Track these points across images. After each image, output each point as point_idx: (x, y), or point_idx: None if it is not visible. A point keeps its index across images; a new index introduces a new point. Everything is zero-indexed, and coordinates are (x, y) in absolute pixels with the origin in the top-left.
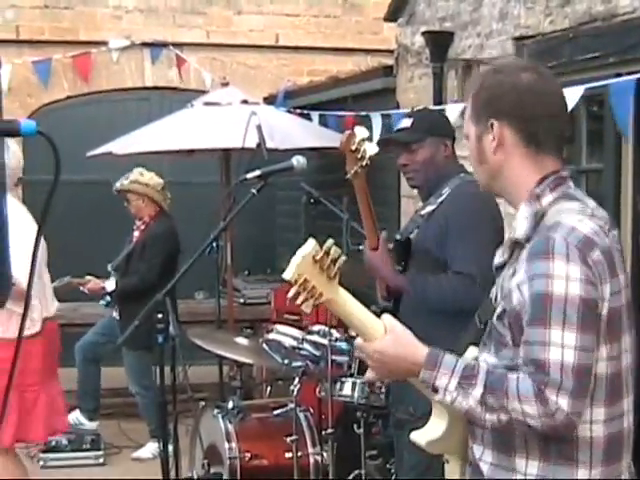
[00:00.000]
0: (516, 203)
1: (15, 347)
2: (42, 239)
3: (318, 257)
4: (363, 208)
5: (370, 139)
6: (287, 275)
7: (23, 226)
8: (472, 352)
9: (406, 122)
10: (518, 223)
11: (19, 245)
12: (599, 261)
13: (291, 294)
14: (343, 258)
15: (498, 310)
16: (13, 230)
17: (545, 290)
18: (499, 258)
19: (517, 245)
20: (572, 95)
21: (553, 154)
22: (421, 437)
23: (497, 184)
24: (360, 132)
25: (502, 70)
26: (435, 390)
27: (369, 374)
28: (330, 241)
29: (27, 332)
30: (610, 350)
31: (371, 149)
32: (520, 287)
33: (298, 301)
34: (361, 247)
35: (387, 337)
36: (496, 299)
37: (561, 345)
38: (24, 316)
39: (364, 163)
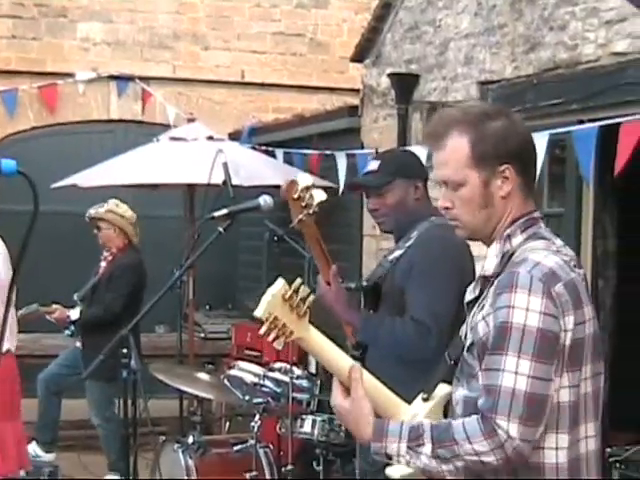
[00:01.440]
0: (490, 242)
1: None
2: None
3: (287, 296)
4: (315, 252)
5: (314, 186)
6: (258, 313)
7: None
8: (443, 389)
9: (373, 165)
10: (488, 260)
11: None
12: (562, 293)
13: (262, 331)
14: (312, 297)
15: (467, 343)
16: None
17: (506, 320)
18: (470, 295)
19: (486, 281)
20: (538, 142)
21: (531, 198)
22: (395, 473)
23: (489, 227)
24: (303, 180)
25: (496, 115)
26: (388, 457)
27: None
28: (298, 280)
29: None
30: (572, 379)
31: (319, 196)
32: (486, 318)
33: (269, 338)
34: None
35: (346, 401)
36: (466, 336)
37: (515, 372)
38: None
39: (310, 211)
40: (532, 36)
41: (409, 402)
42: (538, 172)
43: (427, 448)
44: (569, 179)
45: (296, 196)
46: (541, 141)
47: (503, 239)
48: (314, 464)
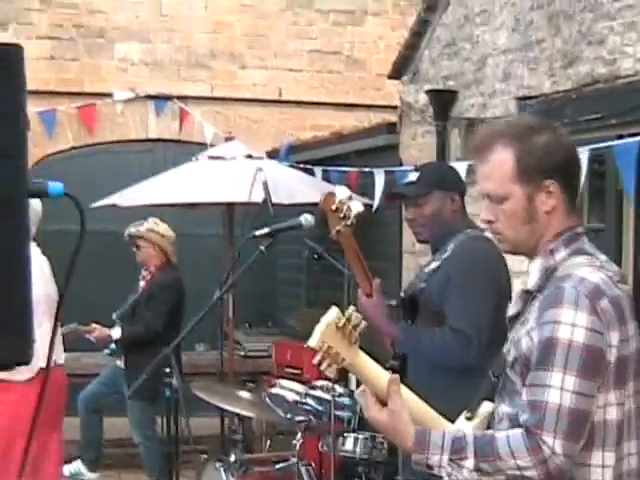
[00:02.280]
0: (534, 255)
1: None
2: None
3: (340, 324)
4: (354, 264)
5: (354, 198)
6: (312, 343)
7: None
8: (486, 407)
9: (413, 176)
10: (531, 275)
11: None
12: (607, 310)
13: (316, 361)
14: (364, 324)
15: (510, 359)
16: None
17: (551, 335)
18: (513, 309)
19: (529, 295)
20: (580, 156)
21: (576, 211)
22: None
23: (533, 241)
24: (340, 192)
25: (541, 128)
26: (430, 468)
27: None
28: (352, 308)
29: (20, 377)
30: (619, 396)
31: (356, 208)
32: (530, 333)
33: (322, 367)
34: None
35: (382, 412)
36: (509, 352)
37: (560, 388)
38: (47, 366)
39: (348, 222)
40: (570, 51)
41: (449, 414)
42: (581, 187)
43: (470, 462)
44: (609, 194)
45: (334, 207)
46: (582, 156)
47: (547, 254)
48: None
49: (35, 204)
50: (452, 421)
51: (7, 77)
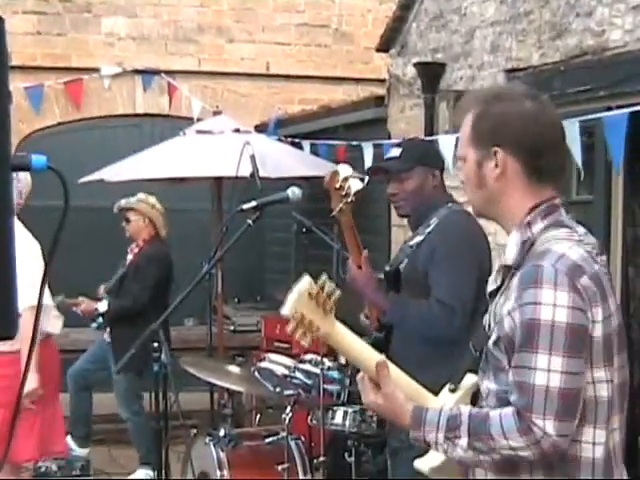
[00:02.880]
0: (509, 229)
1: (26, 361)
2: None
3: (314, 292)
4: (350, 242)
5: (354, 176)
6: (285, 311)
7: (25, 251)
8: (469, 379)
9: (395, 151)
10: (508, 249)
11: (21, 269)
12: (588, 286)
13: (290, 329)
14: (338, 292)
15: (493, 337)
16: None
17: (533, 317)
18: (492, 285)
19: (508, 271)
20: (568, 129)
21: (551, 184)
22: (424, 464)
23: (492, 210)
24: (343, 170)
25: (507, 97)
26: (428, 445)
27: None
28: (324, 276)
29: (13, 347)
30: (608, 373)
31: (355, 185)
32: (511, 314)
33: (296, 336)
34: (346, 277)
35: (378, 396)
36: (489, 326)
37: (547, 370)
38: (33, 338)
39: (349, 200)
40: (558, 23)
41: (434, 386)
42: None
43: (463, 441)
44: (598, 166)
45: (338, 186)
46: (571, 128)
47: (523, 227)
48: (345, 455)
49: (25, 176)
50: (436, 393)
51: None
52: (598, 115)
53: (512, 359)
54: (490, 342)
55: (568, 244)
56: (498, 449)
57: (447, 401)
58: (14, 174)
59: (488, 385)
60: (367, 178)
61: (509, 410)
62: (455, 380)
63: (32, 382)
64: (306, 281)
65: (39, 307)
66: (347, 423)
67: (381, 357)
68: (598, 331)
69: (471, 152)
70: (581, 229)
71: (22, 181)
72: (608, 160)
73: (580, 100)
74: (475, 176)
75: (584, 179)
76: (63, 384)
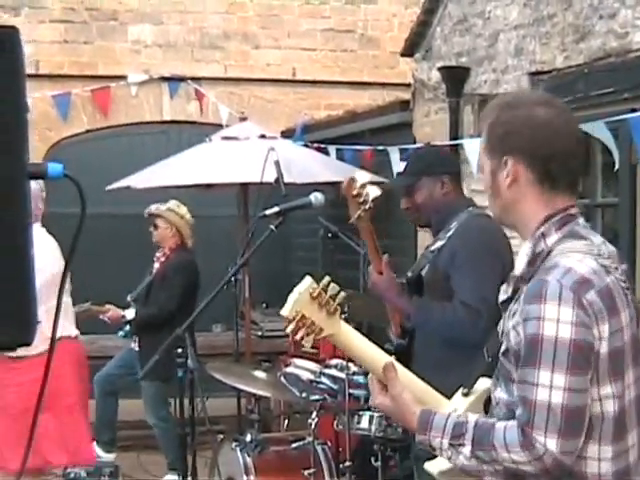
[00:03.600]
0: (526, 238)
1: (45, 366)
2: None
3: (315, 294)
4: (370, 248)
5: (372, 182)
6: (284, 312)
7: (44, 256)
8: (483, 383)
9: (402, 166)
10: (519, 260)
11: (40, 276)
12: (594, 302)
13: (289, 329)
14: (342, 294)
15: (503, 347)
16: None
17: (536, 332)
18: (503, 294)
19: (519, 281)
20: (596, 130)
21: (566, 192)
22: (434, 467)
23: (510, 218)
24: (361, 177)
25: (517, 104)
26: (433, 449)
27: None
28: (327, 278)
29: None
30: (615, 388)
31: (373, 192)
32: (516, 328)
33: (297, 337)
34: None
35: (386, 398)
36: (502, 334)
37: (549, 386)
38: (52, 342)
39: (367, 207)
40: (582, 25)
41: (455, 390)
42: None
43: (467, 449)
44: (623, 168)
45: (355, 193)
46: (599, 127)
47: (536, 238)
48: (372, 460)
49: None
50: (450, 397)
51: (4, 60)
52: (624, 116)
53: (516, 373)
54: (501, 352)
55: (578, 257)
56: (500, 461)
57: (459, 405)
58: (39, 182)
59: (499, 394)
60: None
61: (514, 423)
62: (469, 384)
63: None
64: (307, 282)
65: (58, 308)
66: (373, 428)
67: (389, 359)
68: (605, 347)
69: (486, 162)
70: (598, 239)
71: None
72: (633, 162)
73: (604, 102)
74: (491, 186)
75: (609, 181)
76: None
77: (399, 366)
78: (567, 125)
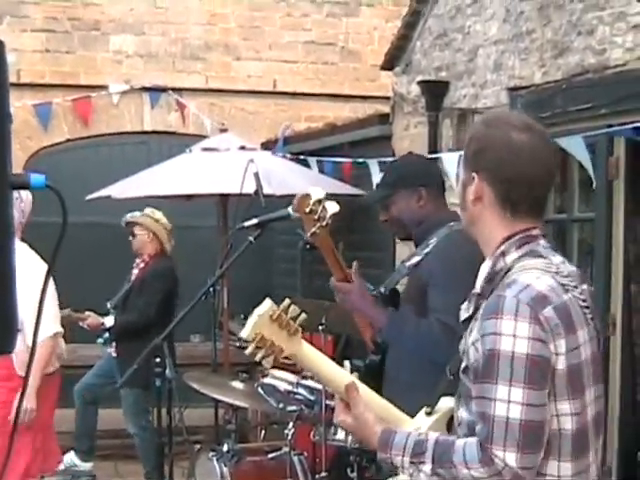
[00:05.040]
0: (487, 255)
1: (23, 383)
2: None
3: (275, 315)
4: (332, 264)
5: (327, 198)
6: (243, 334)
7: (29, 270)
8: (445, 402)
9: (378, 179)
10: (479, 277)
11: (27, 289)
12: (551, 317)
13: (248, 352)
14: (303, 316)
15: (462, 365)
16: (20, 273)
17: (493, 347)
18: (465, 312)
19: (478, 299)
20: (573, 145)
21: (528, 216)
22: None
23: (474, 232)
24: (315, 193)
25: (496, 124)
26: (394, 467)
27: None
28: (287, 300)
29: (52, 369)
30: (573, 406)
31: (331, 208)
32: (475, 344)
33: (257, 358)
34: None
35: (348, 416)
36: (462, 352)
37: (507, 401)
38: (32, 354)
39: (324, 223)
40: (560, 41)
41: (431, 407)
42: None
43: (427, 467)
44: (599, 183)
45: (308, 210)
46: (576, 143)
47: (496, 256)
48: (348, 471)
49: (27, 194)
50: (413, 416)
51: None
52: (600, 132)
53: (474, 388)
54: (461, 370)
55: (536, 274)
56: (461, 478)
57: (422, 424)
58: (16, 193)
59: (461, 414)
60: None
61: (474, 440)
62: (432, 403)
63: (30, 402)
64: (266, 304)
65: (39, 317)
66: (349, 438)
67: (351, 378)
68: (562, 364)
69: (461, 173)
70: (558, 258)
71: (24, 200)
72: (609, 178)
73: (582, 118)
74: (461, 197)
75: (585, 196)
76: (60, 400)
77: (362, 385)
78: (540, 152)
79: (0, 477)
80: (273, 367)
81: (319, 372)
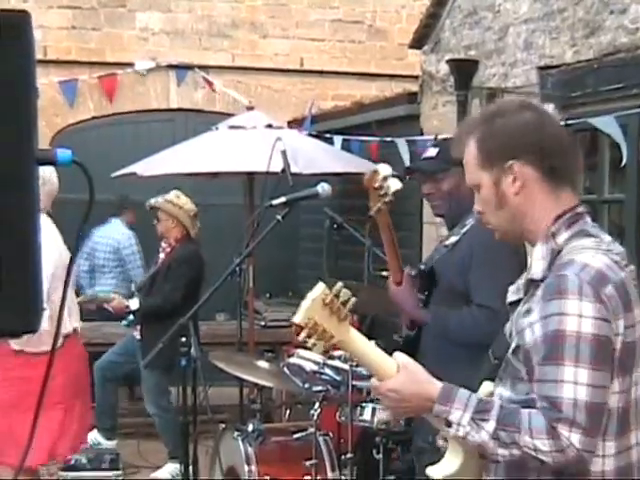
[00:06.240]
0: (535, 242)
1: (47, 364)
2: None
3: (328, 300)
4: (387, 243)
5: (394, 175)
6: (297, 319)
7: (49, 246)
8: (487, 387)
9: (432, 151)
10: (534, 263)
11: (45, 265)
12: (612, 296)
13: (301, 337)
14: (353, 300)
15: (513, 345)
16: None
17: (558, 328)
18: (513, 295)
19: (532, 284)
20: (606, 125)
21: (570, 188)
22: (437, 473)
23: (517, 228)
24: (383, 169)
25: (502, 113)
26: (448, 424)
27: (384, 414)
28: (339, 284)
29: (47, 348)
30: (622, 384)
31: (394, 185)
32: (533, 326)
33: (309, 344)
34: (384, 273)
35: (400, 375)
36: (510, 335)
37: (574, 382)
38: (56, 335)
39: (387, 200)
40: (592, 20)
41: (466, 385)
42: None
43: (490, 425)
44: (630, 164)
45: (377, 185)
46: (609, 122)
47: (548, 238)
48: (374, 452)
49: (52, 177)
50: None
51: (14, 44)
52: (632, 111)
53: (534, 372)
54: (510, 351)
55: (592, 253)
56: (522, 445)
57: None
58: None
59: (503, 392)
60: (407, 177)
61: (540, 412)
62: (472, 387)
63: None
64: (320, 288)
65: (63, 301)
66: (375, 420)
67: (393, 363)
68: (618, 343)
69: (485, 176)
70: (608, 237)
71: (47, 184)
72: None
73: (613, 98)
74: (495, 197)
75: (616, 178)
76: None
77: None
78: (555, 125)
79: (26, 451)
80: (298, 346)
81: (365, 359)
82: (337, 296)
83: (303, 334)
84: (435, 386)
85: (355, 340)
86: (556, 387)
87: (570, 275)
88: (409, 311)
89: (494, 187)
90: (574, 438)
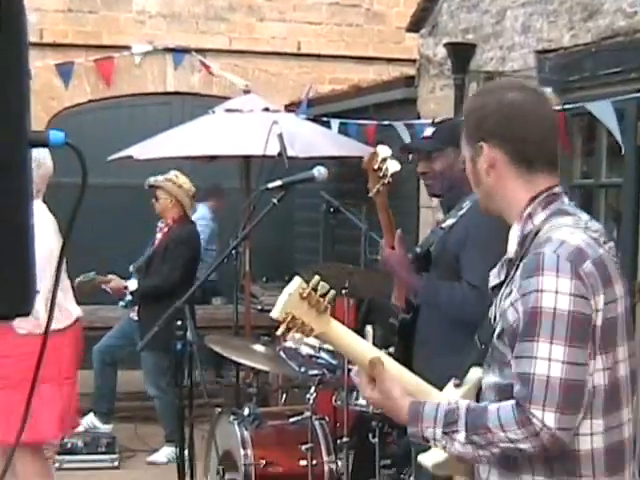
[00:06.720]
0: (512, 222)
1: (41, 343)
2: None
3: (305, 294)
4: (384, 223)
5: (392, 157)
6: (274, 314)
7: (44, 230)
8: (475, 373)
9: (428, 131)
10: (510, 242)
11: (39, 250)
12: (591, 272)
13: (280, 332)
14: (332, 292)
15: (497, 329)
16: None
17: (535, 305)
18: (495, 279)
19: (511, 264)
20: (602, 109)
21: (545, 172)
22: (428, 459)
23: (493, 205)
24: (383, 151)
25: (489, 91)
26: (426, 441)
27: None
28: (316, 277)
29: (59, 325)
30: (605, 361)
31: (393, 167)
32: (514, 304)
33: (288, 337)
34: (379, 257)
35: (374, 392)
36: (495, 319)
37: (548, 359)
38: (49, 317)
39: (386, 181)
40: (590, 4)
41: (459, 369)
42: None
43: (461, 435)
44: (628, 149)
45: (376, 167)
46: (605, 108)
47: (523, 219)
48: (369, 436)
49: (47, 160)
50: (441, 388)
51: (6, 26)
52: (630, 96)
53: (514, 349)
54: (494, 335)
55: (570, 230)
56: (496, 442)
57: (451, 397)
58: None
59: (491, 379)
60: (403, 157)
61: (508, 403)
62: (461, 367)
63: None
64: (296, 282)
65: (56, 284)
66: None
67: (378, 353)
68: (599, 320)
69: (466, 152)
70: (585, 215)
71: (42, 167)
72: (638, 143)
73: (611, 82)
74: (472, 174)
75: (613, 162)
76: (83, 361)
77: (388, 359)
78: (539, 108)
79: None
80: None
81: (347, 349)
82: (315, 289)
83: (281, 329)
84: (404, 409)
85: (336, 332)
86: (530, 363)
87: (548, 252)
88: (400, 274)
89: (471, 164)
90: (548, 417)
